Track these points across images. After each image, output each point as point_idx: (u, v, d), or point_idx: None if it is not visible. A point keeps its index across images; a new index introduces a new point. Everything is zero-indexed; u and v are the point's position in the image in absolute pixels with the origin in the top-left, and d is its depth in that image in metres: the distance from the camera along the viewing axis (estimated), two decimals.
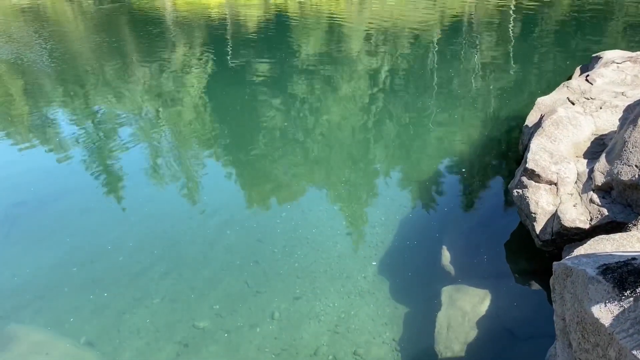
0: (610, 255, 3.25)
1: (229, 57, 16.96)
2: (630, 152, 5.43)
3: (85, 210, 8.15)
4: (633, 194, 5.27)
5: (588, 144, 6.65)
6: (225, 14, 24.18)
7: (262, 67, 15.51)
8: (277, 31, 21.09)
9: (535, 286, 5.96)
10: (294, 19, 22.93)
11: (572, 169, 6.08)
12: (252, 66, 15.61)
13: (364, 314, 5.94)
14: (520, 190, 6.16)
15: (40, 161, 10.03)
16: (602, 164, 5.75)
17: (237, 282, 6.49)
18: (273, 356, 5.49)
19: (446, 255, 6.48)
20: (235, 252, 7.01)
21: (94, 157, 10.04)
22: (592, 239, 3.67)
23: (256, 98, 12.79)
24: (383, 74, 14.28)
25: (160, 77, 15.08)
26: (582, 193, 5.73)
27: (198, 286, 6.47)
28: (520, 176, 6.24)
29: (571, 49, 15.42)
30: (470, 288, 5.88)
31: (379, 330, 5.72)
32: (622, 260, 3.10)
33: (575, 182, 5.94)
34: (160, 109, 12.51)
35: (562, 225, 5.45)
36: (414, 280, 6.33)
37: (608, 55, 10.06)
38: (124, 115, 12.20)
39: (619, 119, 6.90)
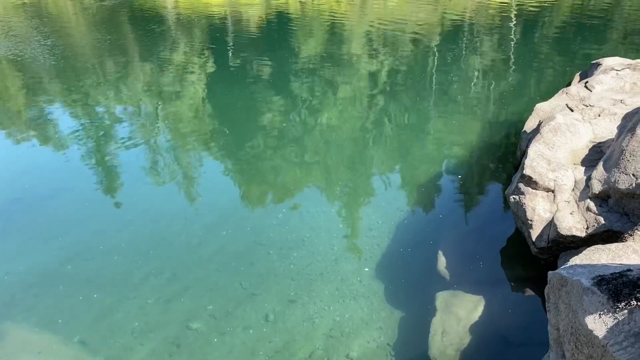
0: (606, 266, 3.24)
1: (229, 56, 16.93)
2: (628, 160, 5.42)
3: (80, 208, 8.13)
4: (630, 202, 5.26)
5: (586, 152, 6.64)
6: (226, 13, 24.15)
7: (262, 66, 15.49)
8: (278, 31, 21.07)
9: (530, 293, 5.94)
10: (295, 19, 22.91)
11: (570, 176, 6.07)
12: (252, 66, 15.59)
13: (359, 317, 5.92)
14: (517, 197, 6.14)
15: (36, 157, 10.00)
16: (599, 172, 5.74)
17: (231, 283, 6.47)
18: (267, 359, 5.47)
19: (442, 260, 6.47)
20: (230, 253, 6.99)
21: (91, 154, 10.01)
22: (587, 249, 3.66)
23: (255, 97, 12.76)
24: (383, 76, 14.27)
25: (159, 75, 15.06)
26: (579, 201, 5.72)
27: (192, 286, 6.45)
28: (518, 182, 6.23)
29: (571, 54, 15.42)
30: (465, 294, 5.87)
31: (373, 334, 5.70)
32: (617, 271, 3.09)
33: (573, 190, 5.92)
34: (159, 107, 12.48)
35: (558, 233, 5.44)
36: (409, 284, 6.31)
37: (607, 62, 10.06)
38: (122, 113, 12.18)
39: (617, 127, 6.90)
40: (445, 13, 23.04)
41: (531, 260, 6.14)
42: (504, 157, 9.10)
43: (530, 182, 6.05)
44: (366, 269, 6.61)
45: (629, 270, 3.04)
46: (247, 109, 12.07)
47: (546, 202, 5.88)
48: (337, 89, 13.33)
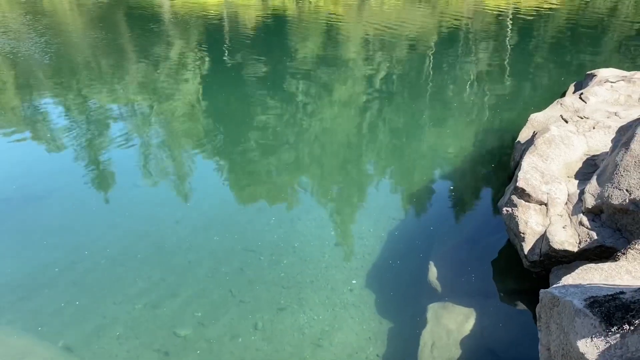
0: (598, 287, 3.21)
1: (224, 57, 16.86)
2: (622, 175, 5.40)
3: (69, 209, 8.03)
4: (623, 218, 5.23)
5: (580, 164, 6.62)
6: (223, 14, 24.06)
7: (258, 67, 15.42)
8: (274, 32, 21.02)
9: (522, 307, 5.91)
10: (292, 21, 22.86)
11: (563, 189, 6.04)
12: (247, 66, 15.52)
13: (348, 327, 5.87)
14: (509, 209, 6.11)
15: (26, 156, 9.90)
16: (593, 186, 5.72)
17: (221, 290, 6.40)
18: None
19: (433, 271, 6.43)
20: (220, 259, 6.92)
21: (83, 154, 9.92)
22: (580, 268, 3.63)
23: (250, 99, 12.70)
24: (378, 80, 14.24)
25: (154, 74, 14.96)
26: (572, 215, 5.70)
27: (181, 293, 6.37)
28: (511, 194, 6.20)
29: (566, 63, 15.45)
30: (456, 306, 5.82)
31: (362, 345, 5.65)
32: (610, 293, 3.05)
33: (566, 203, 5.90)
34: (153, 107, 12.39)
35: (550, 247, 5.41)
36: (400, 295, 6.26)
37: (602, 73, 10.07)
38: (115, 112, 12.09)
39: (612, 140, 6.89)
40: (442, 18, 23.06)
41: (523, 273, 6.11)
42: (497, 167, 9.08)
43: (523, 194, 6.02)
44: (357, 278, 6.56)
45: (621, 292, 3.01)
46: (241, 110, 12.00)
47: (539, 215, 5.85)
48: (332, 92, 13.29)
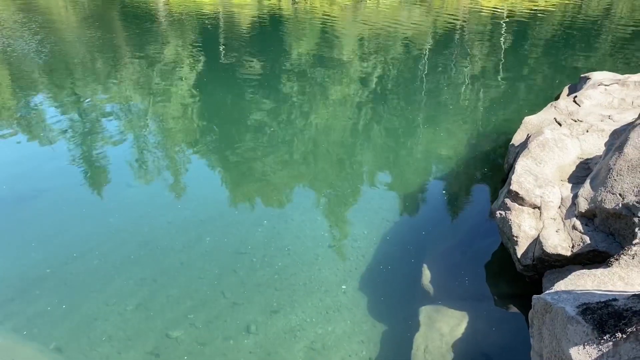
0: (591, 293, 3.20)
1: (220, 56, 16.81)
2: (615, 180, 5.41)
3: (62, 209, 7.98)
4: (616, 222, 5.24)
5: (573, 168, 6.63)
6: (218, 13, 23.99)
7: (253, 67, 15.38)
8: (270, 32, 20.97)
9: (514, 311, 5.91)
10: (287, 20, 22.82)
11: (557, 193, 6.05)
12: (242, 66, 15.48)
13: (341, 330, 5.86)
14: (503, 212, 6.11)
15: (19, 156, 9.82)
16: (586, 190, 5.73)
17: (213, 292, 6.37)
18: None
19: (426, 274, 6.42)
20: (213, 260, 6.89)
21: (76, 153, 9.86)
22: (573, 274, 3.62)
23: (244, 98, 12.66)
24: (373, 80, 14.23)
25: (149, 72, 14.89)
26: (565, 219, 5.70)
27: (173, 294, 6.34)
28: (504, 198, 6.20)
29: (560, 66, 15.49)
30: (449, 309, 5.82)
31: (355, 348, 5.64)
32: (602, 300, 3.05)
33: (559, 207, 5.91)
34: (147, 106, 12.33)
35: (543, 251, 5.41)
36: (393, 298, 6.25)
37: (596, 76, 10.09)
38: (109, 111, 12.03)
39: (605, 144, 6.91)
40: (437, 18, 23.08)
41: (516, 276, 6.12)
42: (491, 169, 9.09)
43: (516, 198, 6.02)
44: (350, 281, 6.55)
45: (614, 299, 3.00)
46: (235, 110, 11.96)
47: (532, 219, 5.85)
48: (327, 92, 13.28)
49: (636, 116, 7.47)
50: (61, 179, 8.91)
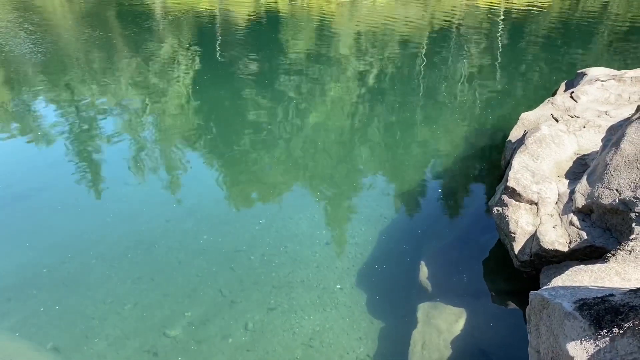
0: (588, 289, 3.20)
1: (216, 54, 16.77)
2: (612, 175, 5.41)
3: (60, 208, 7.95)
4: (613, 218, 5.24)
5: (570, 164, 6.64)
6: (215, 11, 23.94)
7: (250, 65, 15.36)
8: (267, 30, 20.93)
9: (512, 307, 5.92)
10: (284, 18, 22.79)
11: (554, 189, 6.05)
12: (239, 64, 15.45)
13: (339, 327, 5.85)
14: (500, 209, 6.11)
15: (16, 154, 9.80)
16: (583, 185, 5.73)
17: (211, 290, 6.37)
18: None
19: (424, 271, 6.42)
20: (211, 258, 6.88)
21: (73, 152, 9.83)
22: (570, 269, 3.63)
23: (242, 96, 12.65)
24: (370, 78, 14.22)
25: (146, 71, 14.86)
26: (562, 214, 5.70)
27: (171, 293, 6.33)
28: (501, 194, 6.20)
29: (557, 62, 15.50)
30: (447, 306, 5.82)
31: (353, 345, 5.64)
32: (599, 295, 3.05)
33: (556, 203, 5.91)
34: (144, 104, 12.31)
35: (541, 247, 5.42)
36: (391, 294, 6.25)
37: (593, 72, 10.09)
38: (106, 109, 11.99)
39: (602, 140, 6.91)
40: (433, 15, 23.07)
41: (513, 273, 6.12)
42: (488, 166, 9.09)
43: (513, 194, 6.02)
44: (347, 278, 6.55)
45: (611, 295, 3.00)
46: (233, 108, 11.95)
47: (529, 215, 5.86)
48: (323, 90, 13.26)
49: (633, 112, 7.47)
50: (57, 177, 8.88)
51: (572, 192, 5.85)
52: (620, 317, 2.81)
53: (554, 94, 10.46)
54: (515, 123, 8.43)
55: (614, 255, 3.79)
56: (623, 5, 24.66)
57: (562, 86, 10.58)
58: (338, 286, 6.42)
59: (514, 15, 22.62)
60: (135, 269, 6.68)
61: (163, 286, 6.42)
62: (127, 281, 6.49)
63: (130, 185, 8.72)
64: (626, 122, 6.14)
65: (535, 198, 5.93)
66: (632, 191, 5.06)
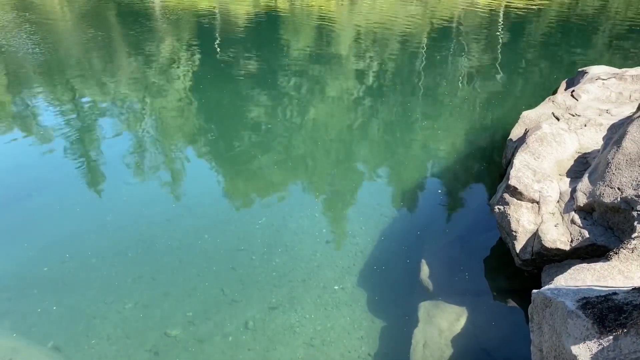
0: (591, 288, 3.19)
1: (216, 53, 16.75)
2: (613, 174, 5.40)
3: (60, 207, 7.93)
4: (614, 216, 5.24)
5: (571, 162, 6.63)
6: (214, 10, 23.92)
7: (250, 64, 15.34)
8: (266, 29, 20.90)
9: (513, 305, 5.91)
10: (284, 17, 22.76)
11: (555, 187, 6.04)
12: (239, 63, 15.43)
13: (340, 326, 5.84)
14: (501, 207, 6.10)
15: (16, 153, 9.77)
16: (584, 184, 5.72)
17: (212, 289, 6.35)
18: None
19: (425, 270, 6.41)
20: (212, 258, 6.87)
21: (73, 151, 9.81)
22: (572, 268, 3.61)
23: (241, 96, 12.62)
24: (370, 78, 14.20)
25: (145, 70, 14.84)
26: (563, 213, 5.69)
27: (172, 292, 6.32)
28: (503, 193, 6.19)
29: (557, 60, 15.48)
30: (448, 305, 5.81)
31: (355, 344, 5.63)
32: (602, 294, 3.04)
33: (558, 202, 5.90)
34: (144, 104, 12.29)
35: (542, 246, 5.41)
36: (392, 293, 6.24)
37: (594, 70, 10.08)
38: (106, 108, 11.97)
39: (603, 138, 6.90)
40: (433, 15, 23.04)
41: (515, 271, 6.11)
42: (489, 165, 9.08)
43: (515, 192, 6.01)
44: (349, 277, 6.53)
45: (614, 293, 2.99)
46: (233, 107, 11.92)
47: (531, 214, 5.85)
48: (324, 89, 13.25)
49: (634, 110, 7.46)
50: (58, 176, 8.86)
51: (573, 191, 5.84)
52: (623, 315, 2.80)
53: (554, 92, 10.45)
54: (516, 122, 8.42)
55: (616, 253, 3.78)
56: (623, 3, 24.64)
57: (563, 84, 10.57)
58: (339, 285, 6.41)
59: (514, 14, 22.60)
60: (135, 268, 6.67)
61: (164, 285, 6.41)
62: (128, 280, 6.48)
63: (131, 185, 8.71)
64: (627, 121, 6.13)
65: (536, 196, 5.92)
66: (634, 189, 5.05)
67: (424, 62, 15.49)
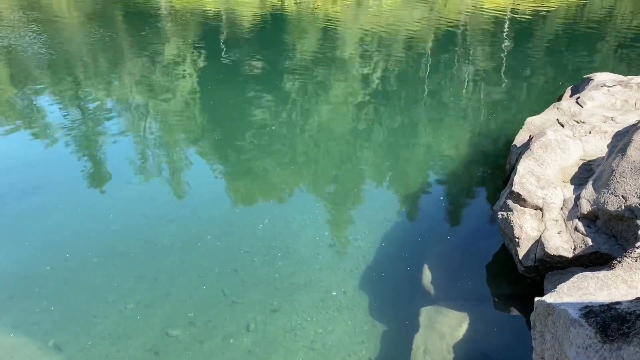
0: (594, 296, 3.18)
1: (222, 54, 16.78)
2: (618, 181, 5.39)
3: (63, 206, 7.95)
4: (618, 224, 5.22)
5: (576, 169, 6.61)
6: (220, 11, 23.97)
7: (255, 65, 15.36)
8: (272, 30, 20.95)
9: (515, 312, 5.89)
10: (290, 19, 22.80)
11: (559, 194, 6.02)
12: (244, 64, 15.45)
13: (341, 330, 5.84)
14: (504, 213, 6.09)
15: (20, 151, 9.80)
16: (588, 191, 5.71)
17: (213, 291, 6.35)
18: None
19: (427, 275, 6.40)
20: (214, 259, 6.87)
21: (76, 150, 9.84)
22: (575, 276, 3.60)
23: (246, 96, 12.64)
24: (375, 81, 14.21)
25: (151, 70, 14.87)
26: (567, 220, 5.68)
27: (173, 292, 6.32)
28: (506, 199, 6.17)
29: (562, 66, 15.45)
30: (450, 310, 5.80)
31: (355, 348, 5.62)
32: (606, 303, 3.02)
33: (561, 209, 5.88)
34: (148, 103, 12.32)
35: (545, 253, 5.39)
36: (394, 298, 6.23)
37: (599, 77, 10.05)
38: (110, 108, 12.00)
39: (608, 145, 6.88)
40: (439, 18, 23.04)
41: (517, 278, 6.09)
42: (493, 170, 9.06)
43: (518, 199, 6.00)
44: (350, 281, 6.53)
45: (617, 303, 2.98)
46: (237, 109, 11.94)
47: (534, 220, 5.83)
48: (328, 91, 13.25)
49: (639, 118, 7.44)
50: (61, 175, 8.88)
51: (577, 198, 5.82)
52: (626, 325, 2.79)
53: (559, 98, 10.42)
54: (520, 127, 8.41)
55: (620, 262, 3.76)
56: (629, 10, 24.59)
57: (568, 91, 10.54)
58: (341, 289, 6.40)
59: (519, 19, 22.58)
60: (137, 268, 6.67)
61: (166, 286, 6.41)
62: (130, 280, 6.49)
63: (134, 184, 8.73)
64: (632, 128, 6.11)
65: (540, 203, 5.90)
66: (638, 198, 5.04)
67: (429, 67, 15.49)
